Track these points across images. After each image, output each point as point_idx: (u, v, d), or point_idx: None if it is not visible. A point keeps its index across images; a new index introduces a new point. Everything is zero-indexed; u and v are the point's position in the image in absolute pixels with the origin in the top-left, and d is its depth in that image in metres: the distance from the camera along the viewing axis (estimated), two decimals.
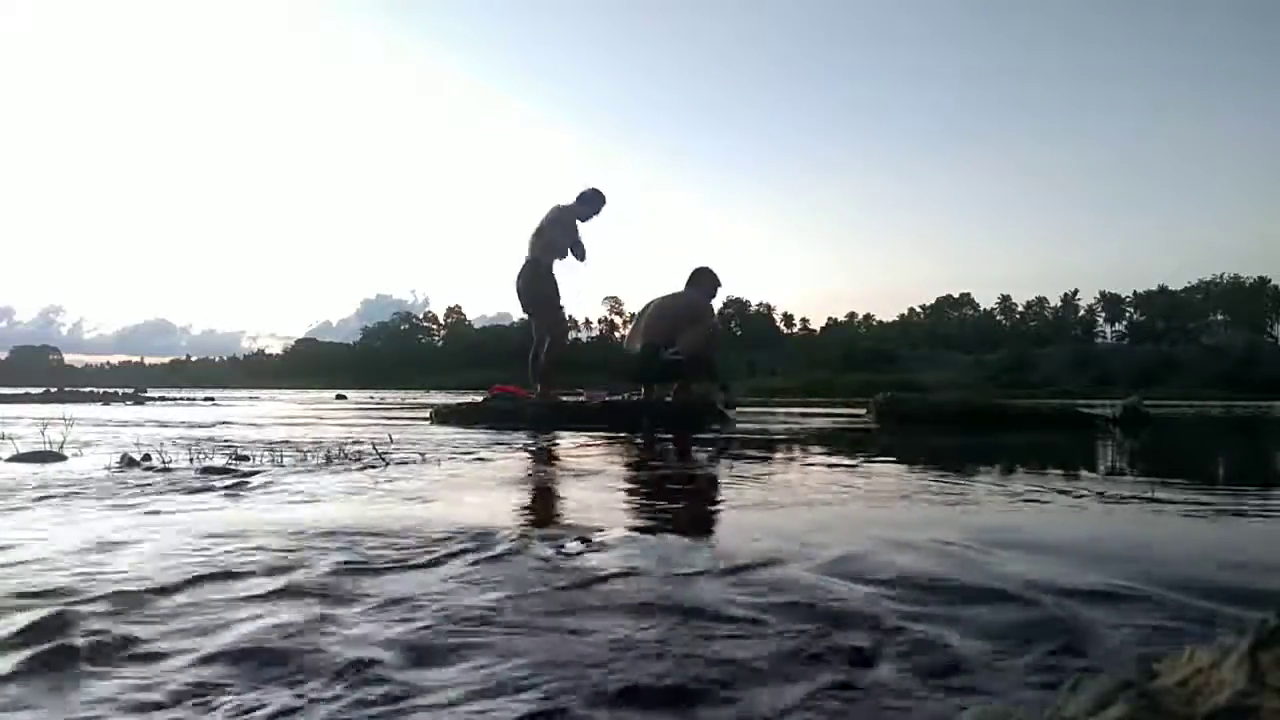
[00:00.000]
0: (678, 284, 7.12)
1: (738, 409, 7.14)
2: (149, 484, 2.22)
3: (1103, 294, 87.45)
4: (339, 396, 19.84)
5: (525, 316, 6.96)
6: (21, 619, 0.93)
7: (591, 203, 6.93)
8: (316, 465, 2.81)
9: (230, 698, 0.73)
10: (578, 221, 6.82)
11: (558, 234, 6.69)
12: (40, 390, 15.61)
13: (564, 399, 6.84)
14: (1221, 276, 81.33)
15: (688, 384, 6.77)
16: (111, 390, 18.48)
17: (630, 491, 2.32)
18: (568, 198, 6.90)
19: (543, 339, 6.70)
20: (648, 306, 7.00)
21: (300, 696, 0.74)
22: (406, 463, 2.91)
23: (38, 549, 1.34)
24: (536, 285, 6.68)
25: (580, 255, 6.80)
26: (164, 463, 2.76)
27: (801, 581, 1.16)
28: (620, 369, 6.98)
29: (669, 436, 4.84)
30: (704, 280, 7.04)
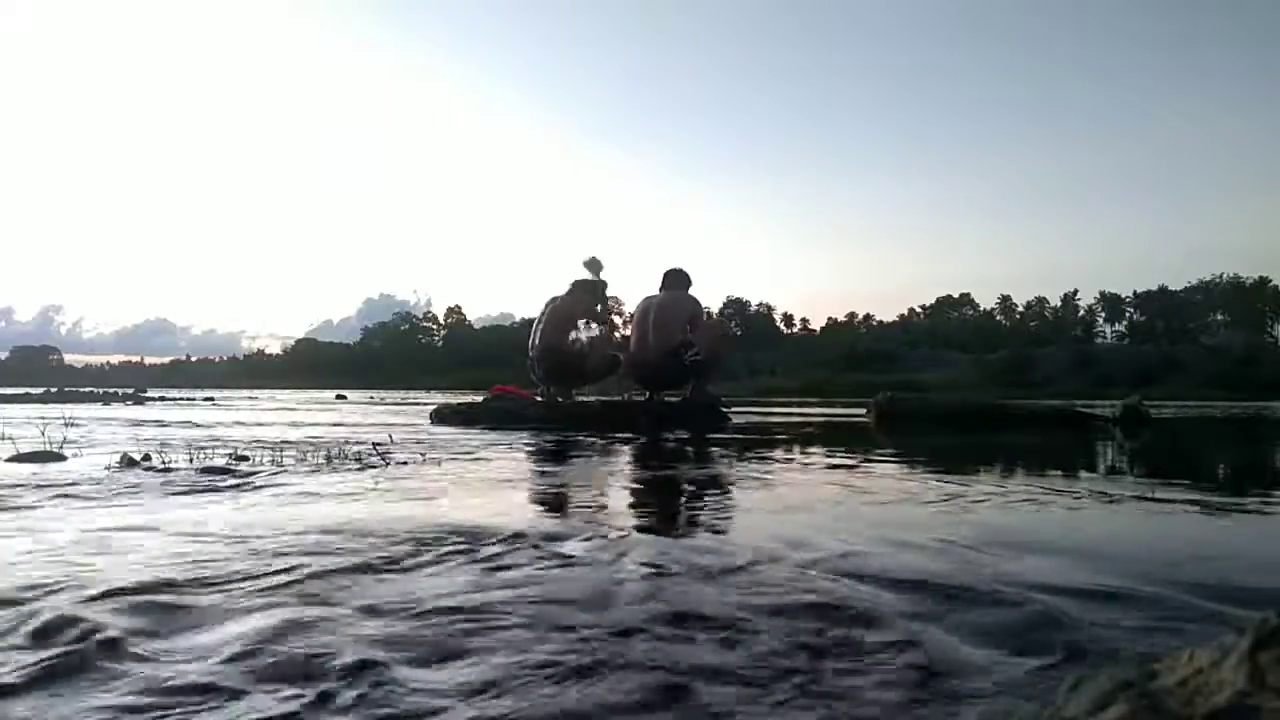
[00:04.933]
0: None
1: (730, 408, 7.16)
2: (148, 484, 2.22)
3: (1103, 294, 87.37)
4: (339, 396, 19.82)
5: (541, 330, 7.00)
6: (18, 618, 0.93)
7: (591, 290, 7.08)
8: (316, 465, 2.81)
9: (230, 697, 0.73)
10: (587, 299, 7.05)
11: (564, 327, 6.79)
12: (40, 390, 15.61)
13: (560, 400, 6.84)
14: (1221, 276, 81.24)
15: (702, 385, 6.75)
16: (111, 390, 18.47)
17: (631, 492, 2.33)
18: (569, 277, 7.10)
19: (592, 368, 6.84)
20: (646, 308, 6.94)
21: (301, 697, 0.74)
22: (407, 463, 2.91)
23: (36, 548, 1.34)
24: (564, 358, 6.75)
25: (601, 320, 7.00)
26: (164, 463, 2.76)
27: (801, 581, 1.16)
28: (636, 372, 6.89)
29: (669, 437, 4.84)
30: (681, 281, 7.03)
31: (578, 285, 7.09)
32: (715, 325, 6.50)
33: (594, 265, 7.14)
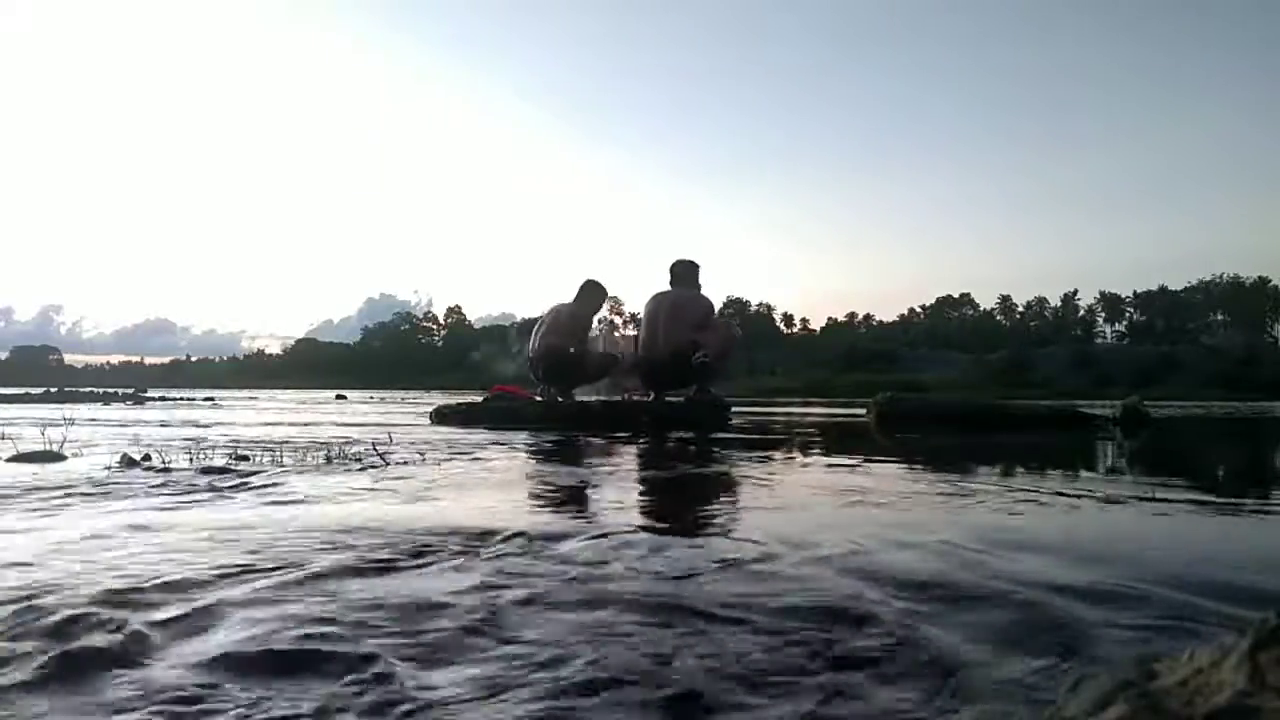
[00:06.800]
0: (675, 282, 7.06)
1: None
2: (149, 484, 2.22)
3: (1103, 294, 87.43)
4: (339, 396, 19.82)
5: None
6: (19, 617, 0.93)
7: (592, 295, 7.07)
8: (316, 465, 2.81)
9: (232, 697, 0.74)
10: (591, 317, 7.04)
11: (566, 329, 6.79)
12: (40, 390, 15.60)
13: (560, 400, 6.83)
14: (1221, 276, 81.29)
15: (706, 385, 6.72)
16: (111, 390, 18.47)
17: (631, 492, 2.33)
18: (570, 294, 7.06)
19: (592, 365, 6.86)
20: (656, 306, 6.86)
21: (303, 696, 0.74)
22: (406, 463, 2.91)
23: (36, 548, 1.34)
24: (567, 361, 6.75)
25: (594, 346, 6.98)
26: (164, 463, 2.76)
27: (801, 579, 1.16)
28: (645, 372, 6.85)
29: (670, 437, 4.84)
30: (690, 273, 6.97)
31: (586, 287, 7.07)
32: (725, 326, 6.48)
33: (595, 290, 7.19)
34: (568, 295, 7.12)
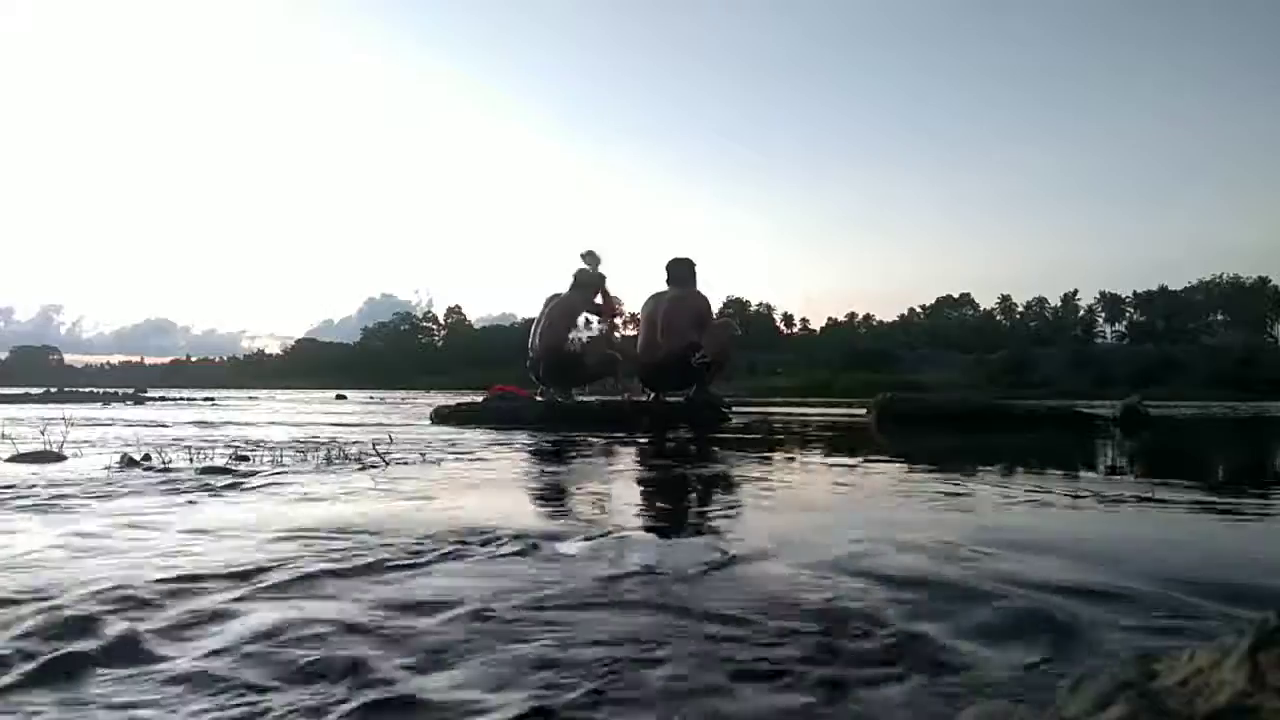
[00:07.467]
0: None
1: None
2: (149, 484, 2.22)
3: (1103, 294, 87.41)
4: (339, 396, 19.83)
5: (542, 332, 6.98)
6: (18, 618, 0.93)
7: (584, 282, 7.08)
8: (316, 465, 2.81)
9: (229, 697, 0.73)
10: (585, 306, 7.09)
11: (564, 327, 6.83)
12: (40, 390, 15.59)
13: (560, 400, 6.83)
14: (1221, 276, 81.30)
15: (706, 385, 6.73)
16: (111, 390, 18.46)
17: (631, 492, 2.33)
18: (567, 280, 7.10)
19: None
20: (654, 307, 6.85)
21: (300, 696, 0.74)
22: (407, 463, 2.91)
23: (36, 549, 1.34)
24: (569, 362, 6.78)
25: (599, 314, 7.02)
26: (164, 463, 2.76)
27: (800, 581, 1.16)
28: (645, 374, 6.86)
29: (670, 437, 4.84)
30: (686, 272, 6.97)
31: (579, 278, 7.06)
32: (724, 325, 6.47)
33: (591, 259, 7.09)
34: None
